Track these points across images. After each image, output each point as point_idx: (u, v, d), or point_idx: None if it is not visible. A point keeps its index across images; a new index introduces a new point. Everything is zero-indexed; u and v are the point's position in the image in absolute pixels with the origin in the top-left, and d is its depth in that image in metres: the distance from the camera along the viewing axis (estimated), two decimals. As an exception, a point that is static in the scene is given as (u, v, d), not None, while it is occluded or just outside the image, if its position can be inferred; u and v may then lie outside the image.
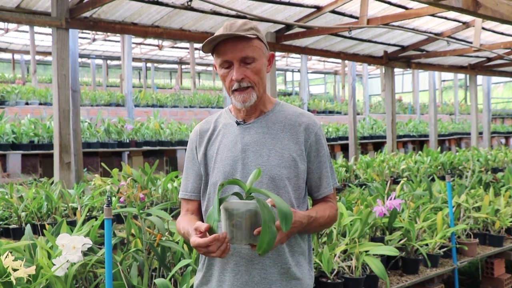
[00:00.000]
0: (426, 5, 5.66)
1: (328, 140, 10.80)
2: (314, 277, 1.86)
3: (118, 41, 15.33)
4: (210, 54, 1.79)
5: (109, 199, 2.33)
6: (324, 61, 22.22)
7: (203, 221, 1.79)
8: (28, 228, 2.73)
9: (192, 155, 1.87)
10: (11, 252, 2.20)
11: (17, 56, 19.04)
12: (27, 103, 10.22)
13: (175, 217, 3.06)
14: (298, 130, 1.80)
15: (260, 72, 1.75)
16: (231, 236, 1.55)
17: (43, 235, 3.01)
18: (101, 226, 2.87)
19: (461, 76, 21.70)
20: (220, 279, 1.74)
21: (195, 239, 1.56)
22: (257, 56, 1.74)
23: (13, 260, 2.07)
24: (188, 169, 1.89)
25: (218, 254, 1.54)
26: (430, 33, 8.10)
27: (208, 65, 22.48)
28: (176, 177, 4.55)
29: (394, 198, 3.52)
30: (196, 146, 1.86)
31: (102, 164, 5.24)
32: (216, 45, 1.73)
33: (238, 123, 1.81)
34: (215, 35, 1.70)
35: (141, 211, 2.70)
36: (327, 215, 1.80)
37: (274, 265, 1.73)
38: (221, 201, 1.56)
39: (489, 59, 10.82)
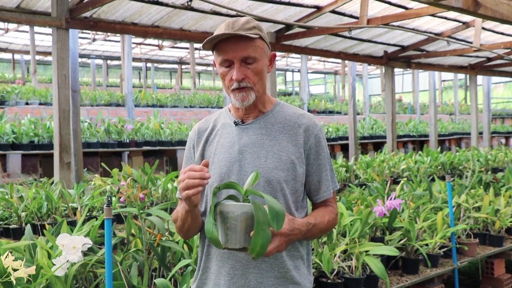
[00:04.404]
0: (426, 5, 5.66)
1: (328, 140, 10.80)
2: (313, 281, 1.82)
3: (118, 41, 15.33)
4: (210, 53, 1.77)
5: (109, 199, 2.33)
6: (324, 61, 22.22)
7: (201, 221, 1.77)
8: (28, 228, 2.73)
9: (190, 154, 1.84)
10: (11, 252, 2.20)
11: (17, 56, 19.05)
12: (27, 103, 10.22)
13: (175, 217, 3.05)
14: (298, 132, 1.75)
15: (261, 73, 1.72)
16: (226, 240, 1.51)
17: (43, 235, 3.01)
18: (101, 226, 2.87)
19: (461, 76, 21.70)
20: (216, 283, 1.70)
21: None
22: (258, 56, 1.70)
23: (13, 260, 2.07)
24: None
25: (196, 181, 1.51)
26: (430, 33, 8.10)
27: (208, 65, 22.48)
28: (176, 177, 4.55)
29: (394, 198, 3.52)
30: (194, 145, 1.83)
31: (102, 164, 5.24)
32: (217, 42, 1.69)
33: (236, 123, 1.77)
34: (216, 33, 1.66)
35: (141, 211, 2.70)
36: (326, 220, 1.75)
37: (271, 269, 1.68)
38: (216, 206, 1.53)
39: (489, 59, 10.82)
